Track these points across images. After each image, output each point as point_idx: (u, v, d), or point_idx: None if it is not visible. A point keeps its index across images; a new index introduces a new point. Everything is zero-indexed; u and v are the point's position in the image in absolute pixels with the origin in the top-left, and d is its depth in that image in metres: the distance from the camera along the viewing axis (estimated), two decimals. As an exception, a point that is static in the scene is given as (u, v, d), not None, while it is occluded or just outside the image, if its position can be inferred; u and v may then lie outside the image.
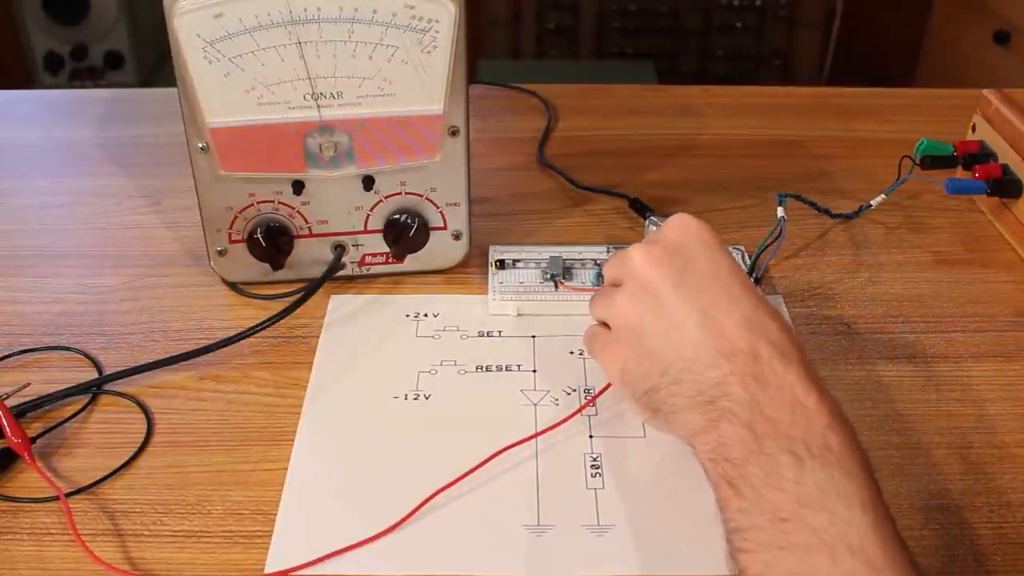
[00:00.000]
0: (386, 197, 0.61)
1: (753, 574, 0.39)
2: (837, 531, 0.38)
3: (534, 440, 0.52)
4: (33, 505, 0.48)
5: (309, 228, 0.62)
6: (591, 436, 0.52)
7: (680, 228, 0.48)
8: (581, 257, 0.64)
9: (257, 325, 0.58)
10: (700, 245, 0.47)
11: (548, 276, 0.62)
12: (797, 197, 0.70)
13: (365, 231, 0.62)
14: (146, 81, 2.09)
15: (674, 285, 0.46)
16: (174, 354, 0.56)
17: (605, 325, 0.50)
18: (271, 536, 0.47)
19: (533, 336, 0.60)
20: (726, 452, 0.42)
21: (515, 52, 2.35)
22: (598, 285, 0.62)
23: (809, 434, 0.40)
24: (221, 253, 0.62)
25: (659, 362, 0.45)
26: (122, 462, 0.51)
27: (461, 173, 0.61)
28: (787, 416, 0.41)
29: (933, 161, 0.71)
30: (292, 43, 0.55)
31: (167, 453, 0.52)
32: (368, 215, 0.62)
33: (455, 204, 0.62)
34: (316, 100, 0.57)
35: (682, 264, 0.46)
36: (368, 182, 0.61)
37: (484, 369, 0.57)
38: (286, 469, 0.51)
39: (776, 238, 0.64)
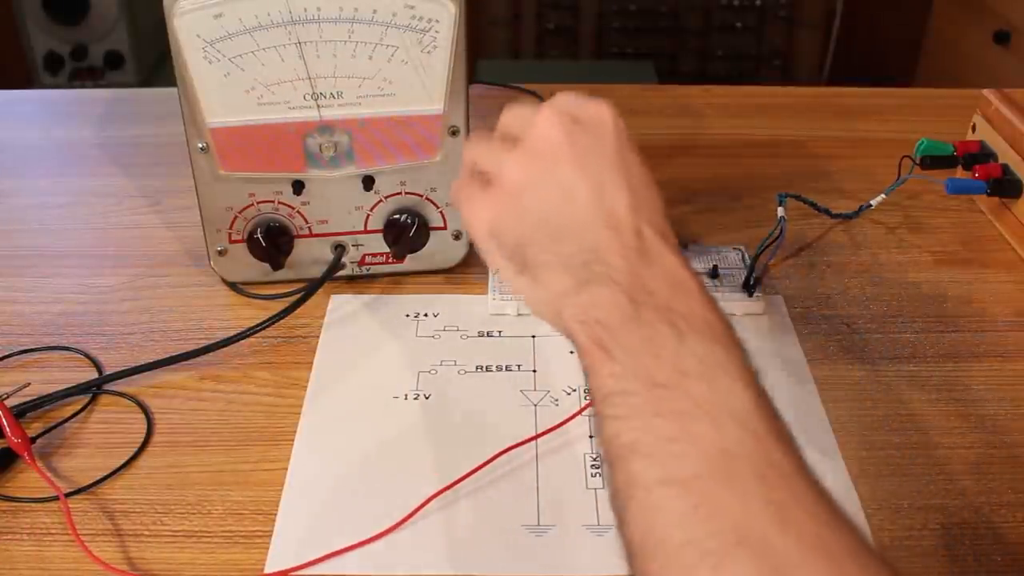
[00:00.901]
0: (386, 197, 0.61)
1: (625, 441, 0.36)
2: (720, 400, 0.35)
3: (534, 441, 0.52)
4: (33, 505, 0.48)
5: (309, 228, 0.62)
6: (591, 436, 0.52)
7: (596, 108, 0.45)
8: (581, 257, 0.64)
9: (257, 325, 0.58)
10: (613, 129, 0.45)
11: (548, 276, 0.62)
12: (797, 197, 0.70)
13: (365, 231, 0.62)
14: (146, 81, 2.09)
15: (574, 154, 0.43)
16: (174, 354, 0.56)
17: (479, 177, 0.47)
18: (271, 536, 0.47)
19: (533, 336, 0.60)
20: (598, 315, 0.39)
21: (515, 52, 2.35)
22: None
23: (690, 310, 0.38)
24: (221, 253, 0.62)
25: (538, 221, 0.43)
26: (122, 462, 0.51)
27: (461, 173, 0.61)
28: (667, 290, 0.39)
29: (933, 161, 0.71)
30: (292, 43, 0.55)
31: (167, 453, 0.52)
32: (368, 215, 0.62)
33: (455, 204, 0.62)
34: (316, 100, 0.57)
35: (589, 139, 0.44)
36: (368, 182, 0.61)
37: (484, 369, 0.57)
38: (286, 469, 0.51)
39: (776, 238, 0.64)
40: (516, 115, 0.47)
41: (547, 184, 0.43)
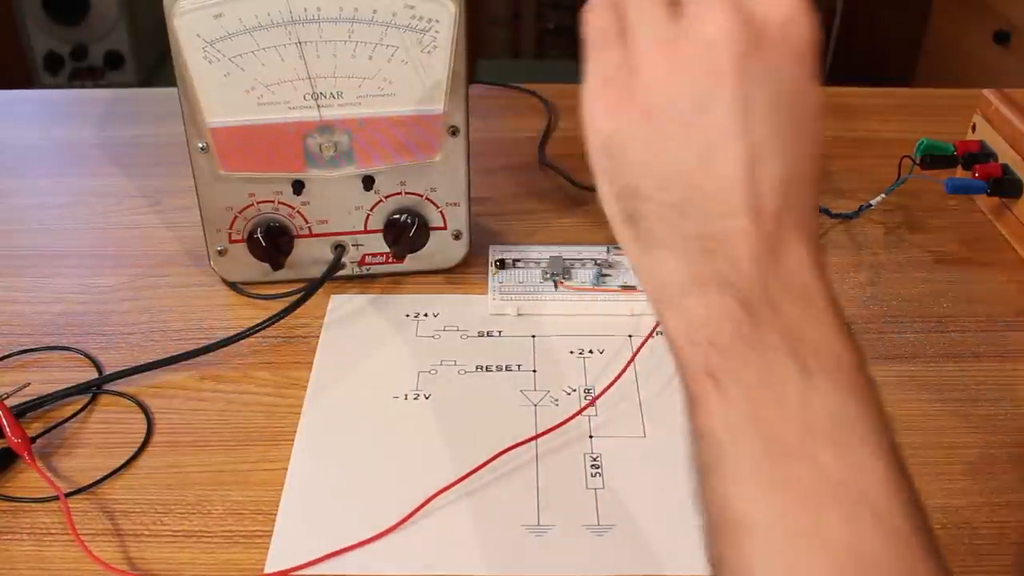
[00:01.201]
0: (386, 197, 0.61)
1: (735, 515, 0.30)
2: (854, 479, 0.29)
3: (534, 441, 0.52)
4: (33, 505, 0.48)
5: (309, 228, 0.62)
6: (591, 436, 0.52)
7: (794, 13, 0.33)
8: (581, 257, 0.64)
9: (257, 325, 0.58)
10: (803, 54, 0.33)
11: (548, 276, 0.62)
12: (797, 197, 0.70)
13: (365, 231, 0.62)
14: (146, 81, 2.09)
15: (743, 90, 0.32)
16: (174, 354, 0.56)
17: (619, 47, 0.35)
18: (271, 536, 0.47)
19: (533, 336, 0.60)
20: (710, 333, 0.32)
21: (515, 52, 2.35)
22: (598, 285, 0.62)
23: (821, 339, 0.31)
24: (221, 253, 0.62)
25: (666, 165, 0.33)
26: (122, 462, 0.51)
27: (461, 173, 0.61)
28: (797, 309, 0.31)
29: (933, 161, 0.71)
30: (292, 43, 0.55)
31: (167, 453, 0.52)
32: (368, 215, 0.62)
33: (455, 204, 0.62)
34: (316, 100, 0.57)
35: (769, 69, 0.32)
36: (368, 182, 0.61)
37: (484, 369, 0.57)
38: (286, 469, 0.51)
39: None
40: None
41: (692, 120, 0.33)
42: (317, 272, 0.62)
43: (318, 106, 0.57)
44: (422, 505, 0.48)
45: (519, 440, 0.51)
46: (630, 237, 0.35)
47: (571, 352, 0.58)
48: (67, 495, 0.48)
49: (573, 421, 0.53)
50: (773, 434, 0.30)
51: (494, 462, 0.50)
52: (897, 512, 0.29)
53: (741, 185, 0.32)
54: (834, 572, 0.28)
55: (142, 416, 0.54)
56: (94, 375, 0.56)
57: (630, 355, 0.57)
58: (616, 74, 0.34)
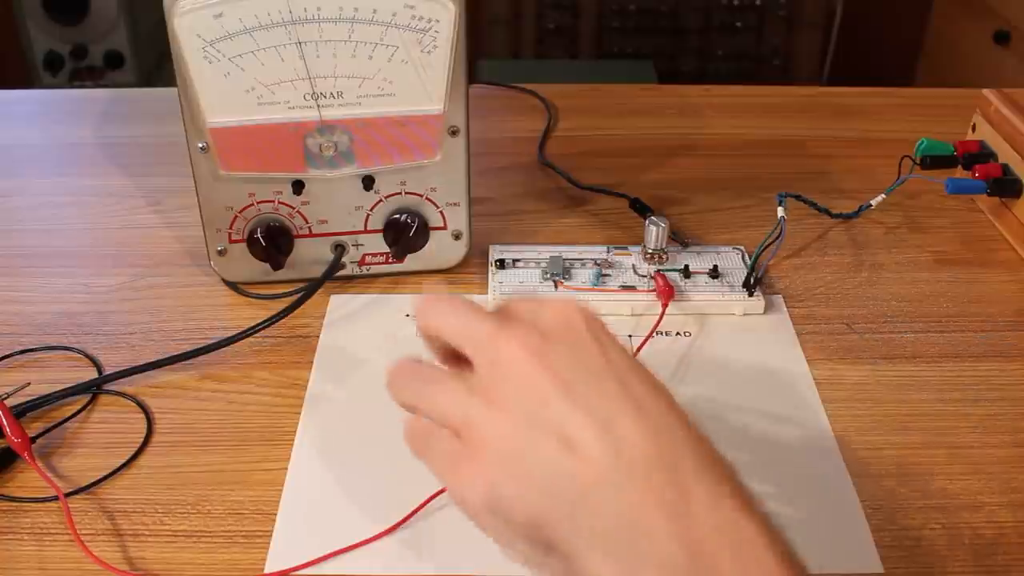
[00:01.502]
0: (386, 197, 0.61)
1: None
2: None
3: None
4: (33, 505, 0.48)
5: (309, 228, 0.62)
6: (591, 436, 0.52)
7: (557, 310, 0.37)
8: (581, 257, 0.64)
9: (257, 325, 0.58)
10: (587, 331, 0.36)
11: (548, 276, 0.62)
12: (797, 197, 0.70)
13: (365, 231, 0.62)
14: (146, 81, 2.09)
15: (556, 383, 0.34)
16: (174, 354, 0.56)
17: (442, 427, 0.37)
18: (271, 536, 0.47)
19: (533, 336, 0.59)
20: None
21: (515, 52, 2.34)
22: (598, 285, 0.62)
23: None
24: (221, 253, 0.62)
25: (546, 487, 0.33)
26: (122, 462, 0.51)
27: (461, 173, 0.61)
28: (730, 558, 0.31)
29: (933, 161, 0.71)
30: (292, 43, 0.55)
31: (167, 453, 0.52)
32: (368, 215, 0.62)
33: (455, 204, 0.62)
34: (316, 100, 0.57)
35: (566, 355, 0.35)
36: (368, 182, 0.61)
37: (484, 369, 0.57)
38: (286, 469, 0.51)
39: (776, 238, 0.64)
40: (461, 332, 0.38)
41: (539, 434, 0.34)
42: (317, 272, 0.62)
43: (318, 106, 0.57)
44: (422, 505, 0.48)
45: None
46: (555, 565, 0.34)
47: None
48: (67, 495, 0.48)
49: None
50: None
51: (494, 462, 0.50)
52: None
53: (609, 454, 0.33)
54: None
55: (142, 416, 0.54)
56: (94, 375, 0.56)
57: (630, 355, 0.57)
58: (455, 453, 0.36)
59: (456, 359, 0.39)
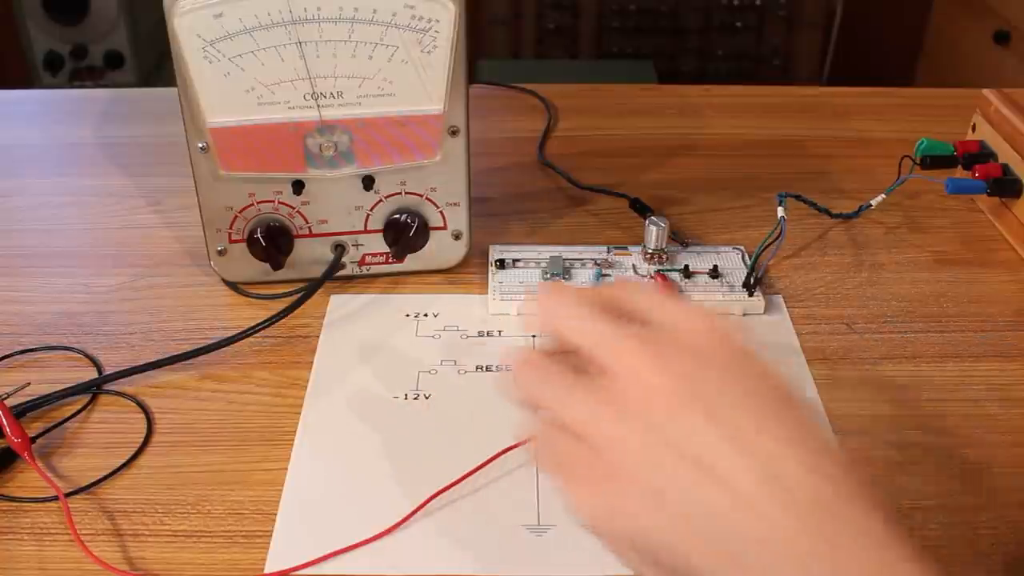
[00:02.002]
0: (386, 197, 0.61)
1: None
2: None
3: (534, 440, 0.52)
4: (33, 505, 0.48)
5: (309, 228, 0.62)
6: (591, 436, 0.52)
7: (685, 316, 0.34)
8: (581, 257, 0.64)
9: (257, 325, 0.58)
10: (727, 349, 0.34)
11: (548, 276, 0.62)
12: (797, 197, 0.70)
13: (365, 231, 0.62)
14: (146, 81, 2.09)
15: (694, 402, 0.32)
16: (174, 354, 0.56)
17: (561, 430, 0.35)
18: (271, 536, 0.47)
19: (533, 336, 0.60)
20: None
21: (515, 52, 2.34)
22: (598, 285, 0.62)
23: None
24: (221, 253, 0.62)
25: (695, 527, 0.31)
26: (122, 462, 0.51)
27: (461, 173, 0.61)
28: None
29: (933, 161, 0.71)
30: (292, 43, 0.55)
31: (167, 453, 0.52)
32: (368, 215, 0.62)
33: (455, 204, 0.62)
34: (316, 100, 0.57)
35: (696, 369, 0.33)
36: (368, 182, 0.61)
37: (484, 369, 0.57)
38: (286, 469, 0.51)
39: (776, 238, 0.64)
40: (597, 343, 0.35)
41: (676, 463, 0.31)
42: (317, 272, 0.62)
43: (318, 106, 0.57)
44: (422, 505, 0.48)
45: (519, 440, 0.51)
46: None
47: (571, 352, 0.58)
48: (67, 495, 0.48)
49: (573, 421, 0.53)
50: None
51: (494, 462, 0.50)
52: None
53: (764, 487, 0.30)
54: None
55: (142, 416, 0.54)
56: (94, 375, 0.56)
57: (630, 355, 0.57)
58: (584, 466, 0.34)
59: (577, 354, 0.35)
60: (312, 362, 0.58)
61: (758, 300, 0.61)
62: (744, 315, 0.61)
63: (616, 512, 0.33)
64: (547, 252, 0.64)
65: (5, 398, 0.53)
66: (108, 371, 0.57)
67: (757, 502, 0.30)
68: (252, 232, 0.61)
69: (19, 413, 0.53)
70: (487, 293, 0.62)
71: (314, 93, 0.57)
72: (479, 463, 0.50)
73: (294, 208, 0.61)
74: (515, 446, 0.51)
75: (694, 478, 0.31)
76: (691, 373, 0.32)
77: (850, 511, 0.30)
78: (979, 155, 0.71)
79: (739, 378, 0.33)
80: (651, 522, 0.32)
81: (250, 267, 0.62)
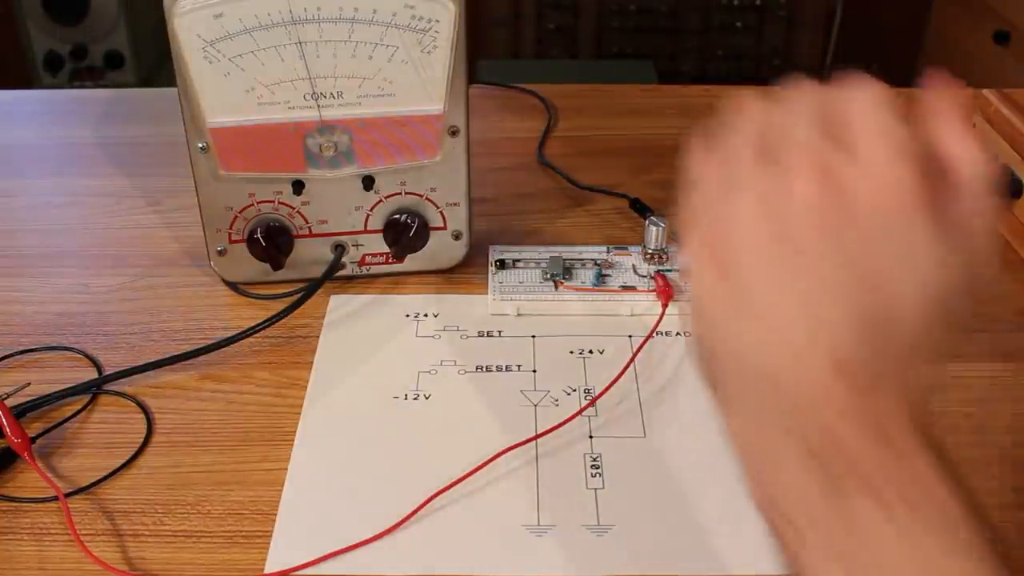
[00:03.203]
0: (386, 197, 0.61)
1: None
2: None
3: (534, 441, 0.52)
4: (33, 505, 0.48)
5: (309, 228, 0.62)
6: (591, 436, 0.52)
7: (884, 155, 0.30)
8: (581, 257, 0.64)
9: (257, 325, 0.58)
10: (900, 199, 0.30)
11: (548, 276, 0.62)
12: (797, 197, 0.70)
13: (365, 231, 0.62)
14: (146, 81, 2.09)
15: (822, 249, 0.30)
16: (174, 354, 0.56)
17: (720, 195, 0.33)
18: (271, 536, 0.47)
19: (533, 336, 0.60)
20: (785, 475, 0.31)
21: (515, 52, 2.34)
22: (598, 285, 0.62)
23: (901, 482, 0.30)
24: (221, 253, 0.62)
25: (739, 334, 0.31)
26: (122, 462, 0.51)
27: (461, 173, 0.61)
28: (870, 458, 0.29)
29: (933, 161, 0.71)
30: (292, 43, 0.55)
31: (167, 453, 0.52)
32: (368, 215, 0.62)
33: (455, 204, 0.62)
34: (316, 100, 0.57)
35: (851, 221, 0.30)
36: (368, 182, 0.61)
37: (484, 369, 0.57)
38: (286, 469, 0.51)
39: (776, 238, 0.64)
40: (774, 123, 0.34)
41: (767, 274, 0.31)
42: (317, 272, 0.62)
43: (318, 106, 0.57)
44: (422, 505, 0.48)
45: (519, 440, 0.51)
46: (718, 399, 0.33)
47: (571, 352, 0.58)
48: (67, 495, 0.48)
49: (573, 421, 0.53)
50: (852, 558, 0.29)
51: (494, 462, 0.50)
52: None
53: (818, 355, 0.30)
54: None
55: (142, 416, 0.54)
56: (94, 375, 0.56)
57: (630, 355, 0.57)
58: (713, 234, 0.32)
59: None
60: (312, 362, 0.58)
61: (758, 300, 0.61)
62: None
63: (706, 292, 0.32)
64: (547, 252, 0.64)
65: (5, 398, 0.53)
66: (108, 371, 0.57)
67: (807, 349, 0.30)
68: (252, 232, 0.61)
69: (19, 413, 0.53)
70: (487, 293, 0.62)
71: (314, 93, 0.57)
72: (479, 463, 0.50)
73: (294, 208, 0.61)
74: (515, 446, 0.51)
75: (773, 309, 0.31)
76: (833, 220, 0.30)
77: (896, 434, 0.30)
78: (979, 155, 0.71)
79: (888, 237, 0.30)
80: (725, 316, 0.32)
81: (250, 267, 0.62)
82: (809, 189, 0.30)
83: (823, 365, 0.30)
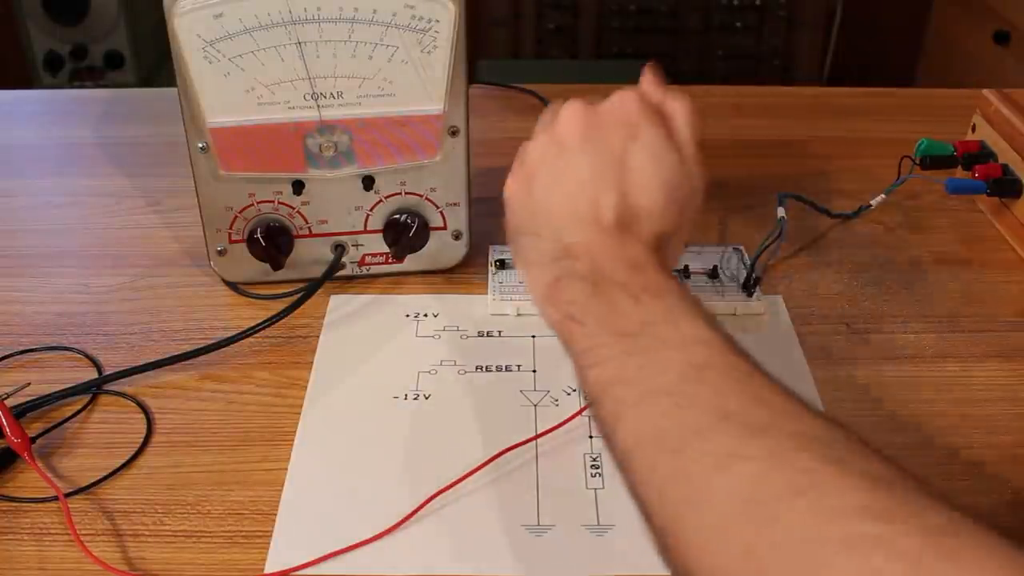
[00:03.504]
0: (386, 197, 0.61)
1: (606, 378, 0.40)
2: (683, 334, 0.40)
3: (534, 441, 0.52)
4: (33, 505, 0.48)
5: (309, 228, 0.62)
6: (591, 436, 0.52)
7: (622, 103, 0.48)
8: (581, 257, 0.64)
9: (257, 325, 0.58)
10: (629, 125, 0.47)
11: (548, 276, 0.62)
12: (797, 197, 0.70)
13: (365, 231, 0.62)
14: (146, 81, 2.09)
15: (583, 143, 0.46)
16: (174, 354, 0.56)
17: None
18: (271, 536, 0.47)
19: (533, 336, 0.60)
20: (567, 296, 0.44)
21: (515, 52, 2.34)
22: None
23: (646, 283, 0.43)
24: (221, 253, 0.62)
25: (532, 209, 0.48)
26: (122, 462, 0.51)
27: (461, 173, 0.61)
28: (623, 273, 0.43)
29: (933, 161, 0.71)
30: (292, 43, 0.55)
31: (167, 453, 0.52)
32: (368, 215, 0.62)
33: (455, 204, 0.62)
34: (316, 100, 0.57)
35: (602, 134, 0.46)
36: (368, 182, 0.61)
37: (484, 369, 0.57)
38: (286, 469, 0.51)
39: (776, 238, 0.64)
40: (555, 107, 0.50)
41: (548, 171, 0.47)
42: (317, 272, 0.62)
43: (318, 106, 0.57)
44: (422, 505, 0.48)
45: (519, 440, 0.51)
46: (518, 260, 0.49)
47: (571, 352, 0.58)
48: (67, 495, 0.48)
49: (573, 421, 0.53)
50: (621, 331, 0.41)
51: (494, 462, 0.50)
52: (717, 342, 0.39)
53: (574, 204, 0.46)
54: (677, 375, 0.38)
55: (142, 416, 0.54)
56: (94, 375, 0.56)
57: (630, 355, 0.57)
58: (520, 160, 0.49)
59: None
60: (312, 362, 0.58)
61: (758, 301, 0.61)
62: (744, 315, 0.61)
63: (511, 193, 0.49)
64: (547, 252, 0.64)
65: (5, 398, 0.53)
66: (108, 371, 0.57)
67: (569, 208, 0.46)
68: (252, 232, 0.61)
69: (19, 413, 0.53)
70: (487, 293, 0.62)
71: (314, 93, 0.57)
72: (479, 463, 0.50)
73: (294, 208, 0.61)
74: (515, 446, 0.51)
75: (551, 187, 0.47)
76: (590, 134, 0.47)
77: (626, 242, 0.45)
78: (979, 155, 0.71)
79: (617, 141, 0.46)
80: (520, 202, 0.48)
81: (250, 267, 0.62)
82: (574, 113, 0.47)
83: (591, 221, 0.45)
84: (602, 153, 0.46)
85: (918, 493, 0.33)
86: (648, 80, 0.50)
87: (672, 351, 0.39)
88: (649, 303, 0.41)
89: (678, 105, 0.49)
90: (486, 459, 0.50)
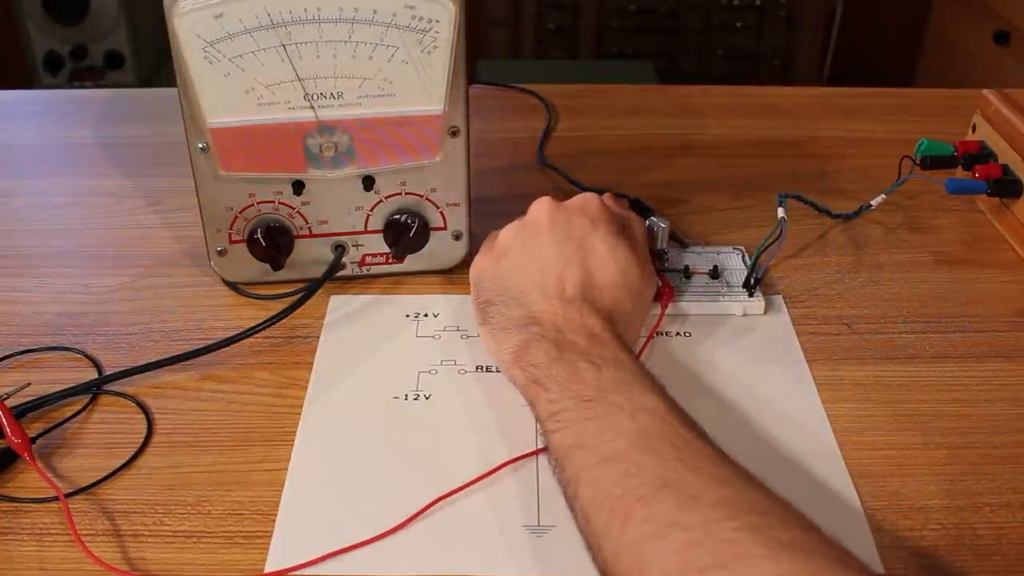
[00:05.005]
0: (386, 197, 0.61)
1: (568, 443, 0.45)
2: (634, 402, 0.45)
3: (534, 441, 0.52)
4: (33, 505, 0.48)
5: (309, 228, 0.62)
6: (591, 436, 0.52)
7: (584, 198, 0.58)
8: (581, 257, 0.64)
9: (257, 325, 0.58)
10: (591, 217, 0.56)
11: (548, 276, 0.62)
12: (797, 197, 0.70)
13: (365, 231, 0.62)
14: (146, 81, 2.09)
15: (551, 229, 0.55)
16: (174, 354, 0.56)
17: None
18: (271, 536, 0.47)
19: (533, 336, 0.59)
20: (532, 359, 0.50)
21: (515, 52, 2.35)
22: None
23: (603, 353, 0.49)
24: (221, 253, 0.62)
25: (503, 284, 0.55)
26: (122, 462, 0.51)
27: (461, 173, 0.61)
28: (584, 341, 0.50)
29: (933, 161, 0.71)
30: (292, 43, 0.55)
31: (167, 453, 0.52)
32: (368, 215, 0.62)
33: (455, 204, 0.62)
34: (316, 100, 0.57)
35: (567, 222, 0.55)
36: (368, 182, 0.61)
37: (484, 369, 0.57)
38: (286, 469, 0.51)
39: (776, 238, 0.64)
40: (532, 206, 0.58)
41: (519, 253, 0.55)
42: (317, 272, 0.62)
43: (318, 106, 0.57)
44: (423, 509, 0.48)
45: (518, 441, 0.52)
46: (485, 330, 0.55)
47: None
48: (67, 495, 0.48)
49: (573, 421, 0.53)
50: (580, 396, 0.46)
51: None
52: (664, 411, 0.45)
53: (543, 280, 0.53)
54: (627, 443, 0.43)
55: (142, 416, 0.54)
56: (94, 375, 0.56)
57: (630, 355, 0.57)
58: (488, 245, 0.59)
59: None
60: (312, 362, 0.58)
61: (758, 301, 0.61)
62: (744, 315, 0.61)
63: (481, 273, 0.57)
64: (547, 252, 0.64)
65: (5, 398, 0.53)
66: (108, 371, 0.57)
67: (538, 283, 0.54)
68: (252, 232, 0.61)
69: (19, 413, 0.53)
70: (487, 293, 0.62)
71: (314, 93, 0.57)
72: (479, 464, 0.50)
73: (294, 208, 0.61)
74: (520, 457, 0.51)
75: (523, 265, 0.55)
76: (558, 221, 0.56)
77: (585, 313, 0.52)
78: (979, 155, 0.71)
79: (582, 229, 0.55)
80: (490, 280, 0.56)
81: (250, 267, 0.62)
82: (544, 205, 0.57)
83: (556, 294, 0.53)
84: (567, 237, 0.55)
85: (831, 560, 0.37)
86: (609, 196, 0.60)
87: (624, 418, 0.44)
88: (606, 370, 0.47)
89: (633, 216, 0.59)
90: (485, 460, 0.50)
